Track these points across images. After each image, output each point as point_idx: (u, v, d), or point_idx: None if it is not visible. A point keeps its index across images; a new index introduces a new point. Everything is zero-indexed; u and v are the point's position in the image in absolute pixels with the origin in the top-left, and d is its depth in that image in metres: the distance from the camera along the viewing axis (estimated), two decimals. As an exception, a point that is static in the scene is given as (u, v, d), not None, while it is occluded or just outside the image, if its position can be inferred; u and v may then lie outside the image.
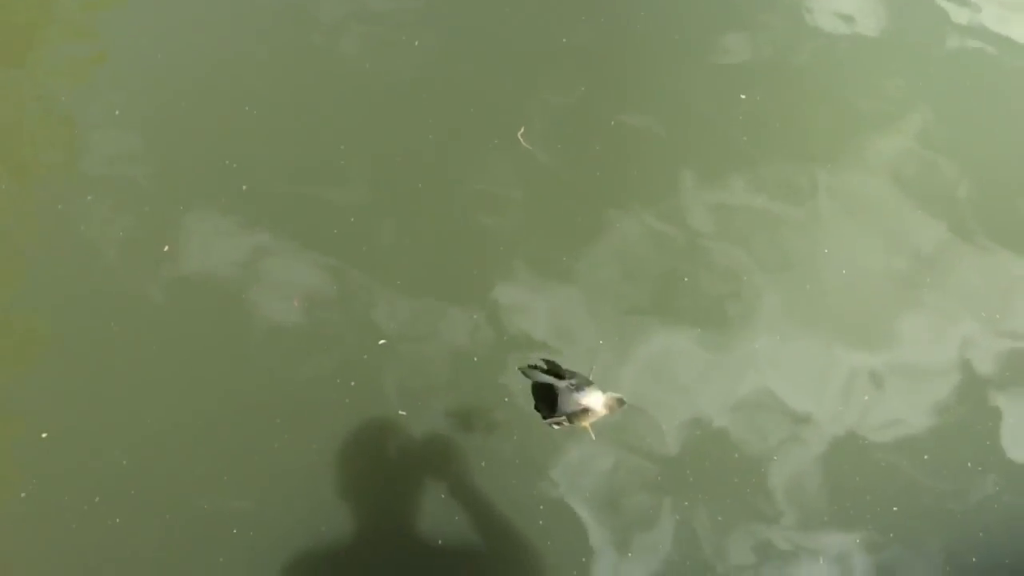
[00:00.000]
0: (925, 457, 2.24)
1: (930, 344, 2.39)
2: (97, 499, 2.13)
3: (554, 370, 1.90)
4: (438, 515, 2.13)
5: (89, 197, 2.52)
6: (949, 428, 2.28)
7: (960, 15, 3.00)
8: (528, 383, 1.94)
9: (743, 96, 2.76)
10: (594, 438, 2.03)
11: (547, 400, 1.88)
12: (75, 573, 2.07)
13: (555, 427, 1.94)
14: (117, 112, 2.66)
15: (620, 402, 1.88)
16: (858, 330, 2.40)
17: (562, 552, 2.12)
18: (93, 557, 2.08)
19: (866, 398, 2.31)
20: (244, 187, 2.54)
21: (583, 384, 1.87)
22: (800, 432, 2.26)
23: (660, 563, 2.11)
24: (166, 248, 2.44)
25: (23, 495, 2.13)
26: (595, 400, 1.85)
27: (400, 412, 2.24)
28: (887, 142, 2.70)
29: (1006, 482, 2.21)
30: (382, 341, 2.33)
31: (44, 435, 2.19)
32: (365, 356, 2.31)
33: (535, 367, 1.92)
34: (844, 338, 2.38)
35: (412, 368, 2.30)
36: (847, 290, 2.45)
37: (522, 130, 2.65)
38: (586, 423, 1.92)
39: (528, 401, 1.97)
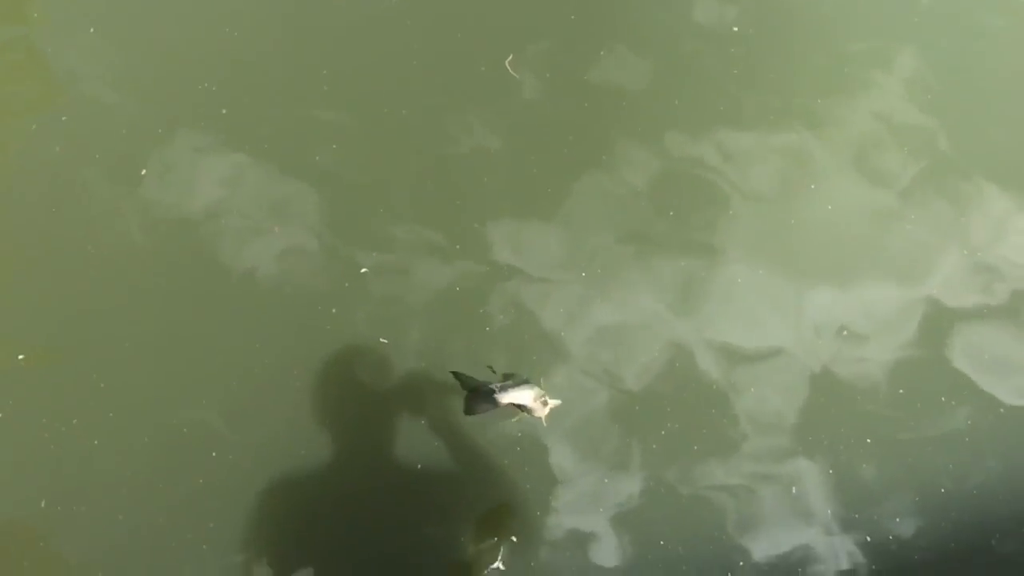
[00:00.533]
0: (900, 391, 2.27)
1: (909, 278, 2.39)
2: (75, 421, 2.13)
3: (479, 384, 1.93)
4: (416, 442, 2.15)
5: (64, 118, 2.45)
6: (924, 362, 2.31)
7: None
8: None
9: (735, 29, 2.71)
10: (545, 425, 2.05)
11: (478, 397, 1.90)
12: (53, 495, 2.08)
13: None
14: (92, 30, 2.58)
15: (545, 403, 1.91)
16: (839, 264, 2.40)
17: (538, 478, 2.14)
18: (72, 479, 2.09)
19: (844, 333, 2.32)
20: (224, 111, 2.48)
21: (516, 384, 1.90)
22: (777, 363, 2.28)
23: (635, 489, 2.14)
24: (143, 172, 2.39)
25: (0, 416, 2.12)
26: (525, 396, 1.88)
27: (381, 340, 2.24)
28: (876, 80, 2.66)
29: (978, 415, 2.25)
30: (364, 269, 2.31)
31: (21, 357, 2.18)
32: (346, 284, 2.30)
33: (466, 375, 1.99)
34: (824, 272, 2.38)
35: (393, 297, 2.29)
36: (830, 225, 2.45)
37: (510, 57, 2.59)
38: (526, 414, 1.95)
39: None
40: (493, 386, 1.86)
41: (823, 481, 2.18)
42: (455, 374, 2.03)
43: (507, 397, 1.86)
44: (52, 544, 2.05)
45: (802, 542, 2.13)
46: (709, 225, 2.42)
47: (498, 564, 2.06)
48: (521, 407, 1.89)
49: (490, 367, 2.03)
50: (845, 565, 2.12)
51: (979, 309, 2.37)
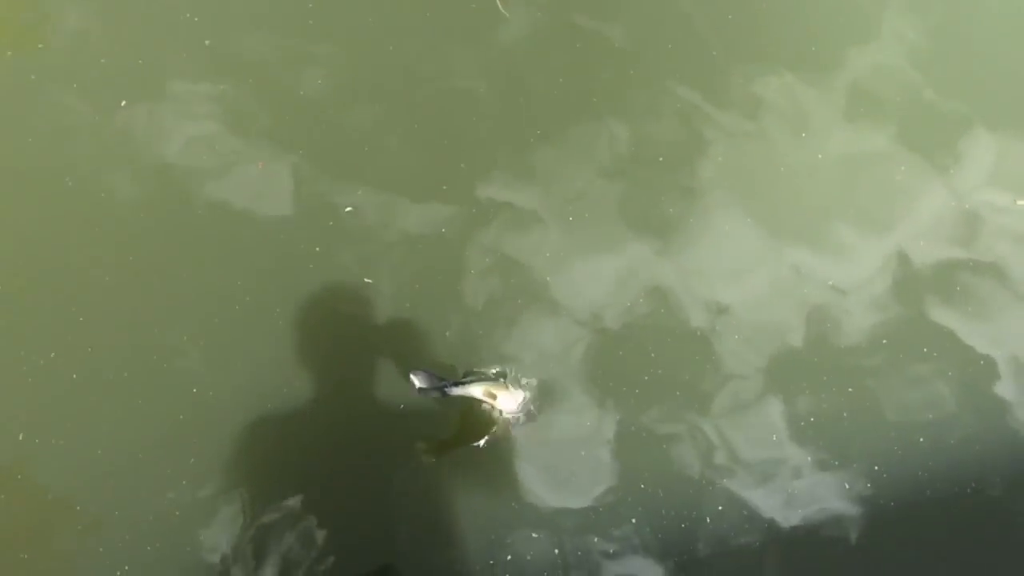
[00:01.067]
0: (883, 341, 2.28)
1: (894, 227, 2.39)
2: (53, 354, 2.10)
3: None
4: (398, 382, 2.14)
5: (39, 45, 2.38)
6: (907, 312, 2.31)
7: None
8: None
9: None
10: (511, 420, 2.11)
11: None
12: (32, 429, 2.06)
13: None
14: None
15: (494, 396, 1.97)
16: (826, 213, 2.39)
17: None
18: (49, 413, 2.07)
19: (830, 282, 2.32)
20: (207, 42, 2.42)
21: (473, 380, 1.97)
22: (760, 310, 2.28)
23: (616, 432, 2.15)
24: (123, 103, 2.33)
25: (-23, 348, 2.10)
26: (475, 391, 1.94)
27: (365, 280, 2.22)
28: (868, 28, 2.62)
29: (958, 367, 2.26)
30: (348, 208, 2.28)
31: (-3, 289, 2.15)
32: (331, 223, 2.27)
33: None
34: (811, 221, 2.37)
35: (377, 237, 2.26)
36: (819, 173, 2.43)
37: (501, -5, 2.54)
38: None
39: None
40: (445, 384, 1.88)
41: (803, 428, 2.19)
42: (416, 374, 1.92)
43: (456, 391, 1.90)
44: (29, 477, 2.03)
45: (781, 487, 2.15)
46: (697, 171, 2.39)
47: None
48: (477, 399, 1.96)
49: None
50: (823, 510, 2.14)
51: (964, 260, 2.37)
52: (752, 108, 2.48)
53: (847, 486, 2.15)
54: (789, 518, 2.13)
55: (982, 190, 2.43)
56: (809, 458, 2.17)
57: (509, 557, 2.04)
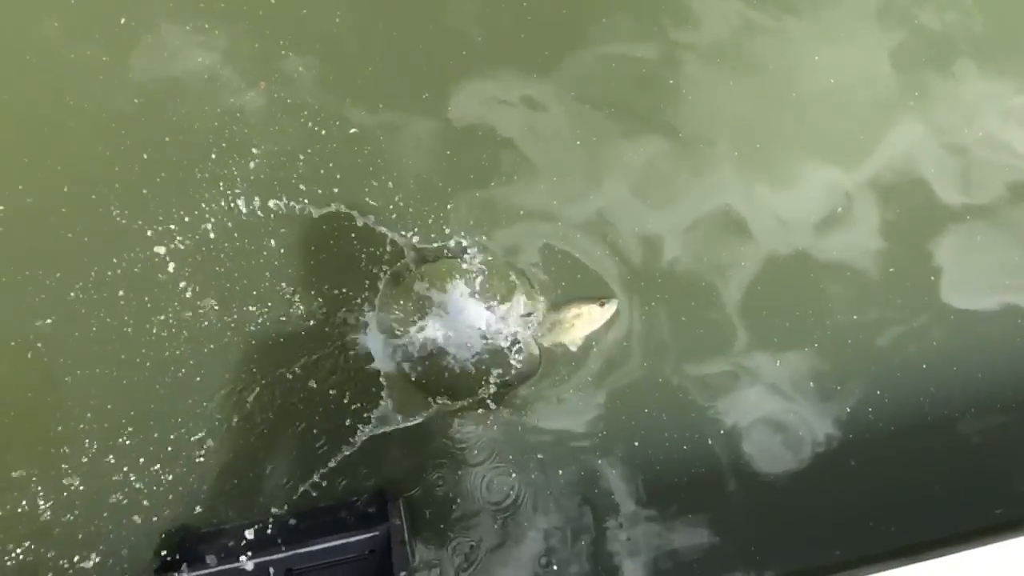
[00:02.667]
0: (891, 270, 2.28)
1: (900, 165, 2.38)
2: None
3: None
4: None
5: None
6: (916, 245, 2.33)
7: None
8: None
9: None
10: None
11: None
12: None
13: None
14: None
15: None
16: (838, 143, 2.38)
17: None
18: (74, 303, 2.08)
19: (839, 210, 2.31)
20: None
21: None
22: (770, 243, 2.28)
23: (629, 371, 2.18)
24: (122, 20, 2.27)
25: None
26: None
27: (368, 201, 2.19)
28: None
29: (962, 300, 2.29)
30: (353, 130, 2.24)
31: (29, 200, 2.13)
32: (334, 146, 2.23)
33: None
34: (822, 151, 2.36)
35: (383, 158, 2.23)
36: (830, 101, 2.41)
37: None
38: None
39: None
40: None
41: (807, 355, 2.21)
42: None
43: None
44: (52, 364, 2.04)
45: (782, 410, 2.17)
46: (705, 102, 2.36)
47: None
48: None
49: None
50: (823, 433, 2.17)
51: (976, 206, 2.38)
52: (762, 33, 2.43)
53: (848, 410, 2.18)
54: (787, 439, 2.16)
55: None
56: (811, 383, 2.19)
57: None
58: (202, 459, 2.01)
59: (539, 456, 2.10)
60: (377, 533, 1.90)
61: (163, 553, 1.91)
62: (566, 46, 2.37)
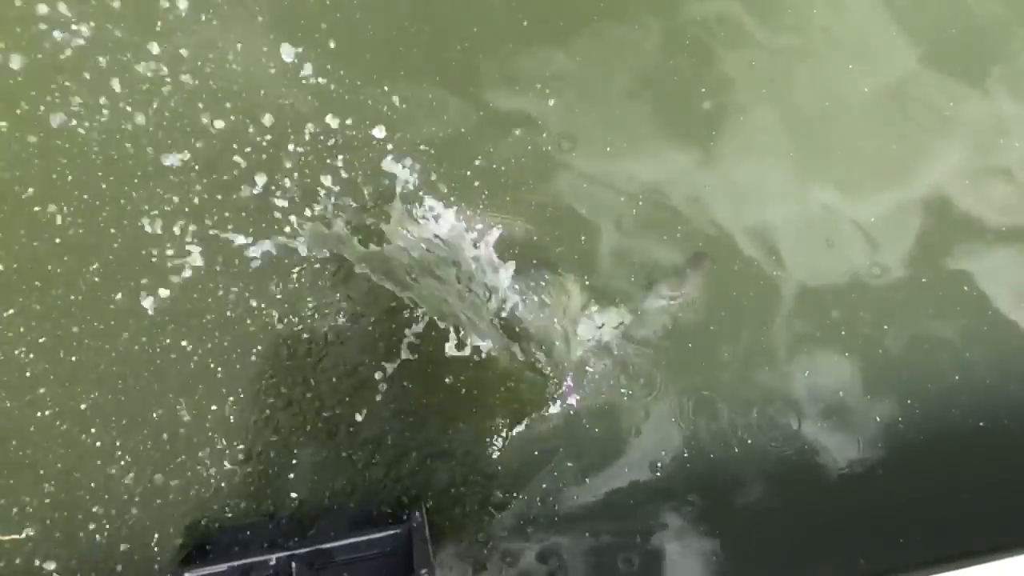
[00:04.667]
0: (923, 280, 2.26)
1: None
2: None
3: None
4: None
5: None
6: (943, 259, 2.30)
7: None
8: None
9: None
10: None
11: None
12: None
13: None
14: None
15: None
16: (877, 150, 2.35)
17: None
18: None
19: (872, 219, 2.29)
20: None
21: None
22: (802, 236, 2.26)
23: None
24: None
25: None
26: None
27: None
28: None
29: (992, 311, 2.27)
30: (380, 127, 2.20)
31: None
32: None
33: None
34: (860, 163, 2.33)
35: (417, 137, 2.20)
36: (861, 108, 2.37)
37: None
38: None
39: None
40: None
41: (837, 365, 2.20)
42: None
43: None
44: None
45: (811, 420, 2.16)
46: (727, 83, 2.33)
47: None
48: None
49: None
50: (852, 443, 2.15)
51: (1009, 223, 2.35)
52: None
53: (878, 419, 2.16)
54: (817, 448, 2.14)
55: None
56: (841, 393, 2.17)
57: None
58: (227, 457, 2.01)
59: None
60: (399, 531, 1.91)
61: (189, 545, 1.92)
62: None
